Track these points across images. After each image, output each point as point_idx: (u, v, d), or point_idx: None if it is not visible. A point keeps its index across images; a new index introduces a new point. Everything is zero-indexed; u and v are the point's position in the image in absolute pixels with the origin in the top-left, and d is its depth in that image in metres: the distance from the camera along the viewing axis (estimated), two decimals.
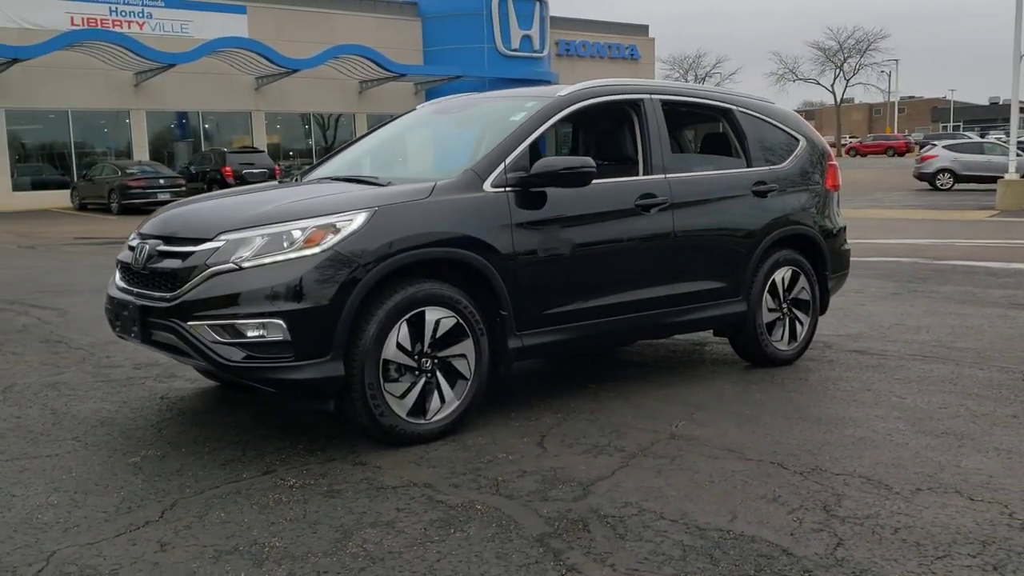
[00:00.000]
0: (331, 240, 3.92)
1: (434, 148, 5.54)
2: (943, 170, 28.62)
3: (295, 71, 33.29)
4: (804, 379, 5.49)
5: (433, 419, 4.20)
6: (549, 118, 4.79)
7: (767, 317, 5.73)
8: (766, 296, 5.70)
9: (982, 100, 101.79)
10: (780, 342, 5.82)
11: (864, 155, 67.08)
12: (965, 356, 6.03)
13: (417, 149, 5.48)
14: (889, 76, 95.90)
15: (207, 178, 28.39)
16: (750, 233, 5.57)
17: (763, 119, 5.95)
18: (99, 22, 31.26)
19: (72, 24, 30.48)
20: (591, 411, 4.78)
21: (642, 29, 48.57)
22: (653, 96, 5.33)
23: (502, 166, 4.49)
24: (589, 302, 4.77)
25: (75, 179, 29.83)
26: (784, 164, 5.91)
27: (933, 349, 6.28)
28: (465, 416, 4.34)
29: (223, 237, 4.00)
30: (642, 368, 5.89)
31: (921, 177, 29.29)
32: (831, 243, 6.11)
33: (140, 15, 32.32)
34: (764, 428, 4.46)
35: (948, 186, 28.44)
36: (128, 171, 26.61)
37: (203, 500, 3.57)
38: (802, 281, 5.91)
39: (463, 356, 4.28)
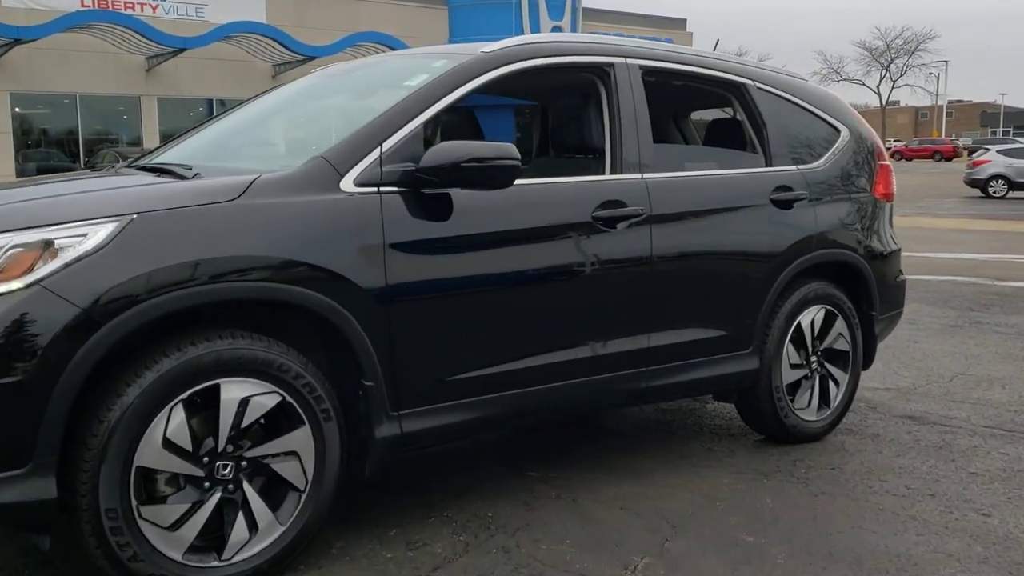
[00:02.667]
0: (42, 269, 2.36)
1: (300, 127, 3.94)
2: (996, 176, 26.54)
3: (312, 58, 31.95)
4: (838, 469, 3.85)
5: (235, 559, 2.63)
6: (459, 85, 3.19)
7: (788, 376, 4.10)
8: (788, 347, 4.08)
9: None
10: (806, 410, 4.19)
11: (909, 159, 64.87)
12: None
13: (288, 128, 3.91)
14: (937, 78, 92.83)
15: None
16: (767, 259, 3.95)
17: (791, 100, 4.31)
18: (110, 3, 30.14)
19: (82, 5, 29.40)
20: (514, 528, 3.18)
21: (679, 23, 46.75)
22: (629, 61, 3.71)
23: (375, 154, 2.92)
24: (516, 362, 3.20)
25: (81, 166, 28.82)
26: (818, 163, 4.27)
27: (1016, 418, 4.61)
28: (295, 549, 2.76)
29: None
30: (611, 439, 4.28)
31: (973, 183, 27.25)
32: (881, 272, 4.46)
33: None
34: (772, 573, 2.84)
35: (1002, 194, 26.38)
36: (131, 159, 25.53)
37: None
38: (839, 325, 4.27)
39: (293, 455, 2.71)
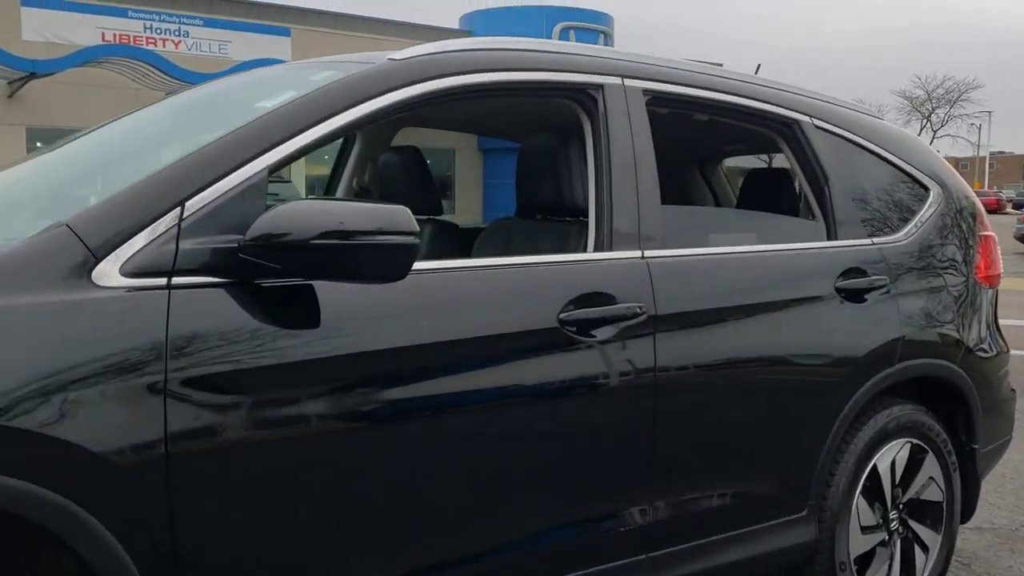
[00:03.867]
0: None
1: (87, 174, 2.64)
2: None
3: None
4: None
5: None
6: (343, 109, 1.95)
7: (859, 545, 2.80)
8: (858, 502, 2.79)
9: None
10: None
11: None
12: None
13: (75, 174, 2.60)
14: (979, 129, 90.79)
15: None
16: (831, 377, 2.70)
17: (863, 145, 3.05)
18: (132, 39, 29.72)
19: (103, 40, 29.00)
20: None
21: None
22: (627, 82, 2.47)
23: (167, 221, 1.69)
24: (434, 545, 1.94)
25: None
26: (900, 235, 3.01)
27: None
28: None
29: None
30: None
31: (1023, 239, 25.66)
32: (985, 387, 3.16)
33: (176, 33, 30.75)
34: None
35: None
36: None
37: None
38: (929, 466, 2.98)
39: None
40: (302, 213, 1.69)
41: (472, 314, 2.01)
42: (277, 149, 1.85)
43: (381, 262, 1.73)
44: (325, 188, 3.63)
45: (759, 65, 3.55)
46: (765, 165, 3.43)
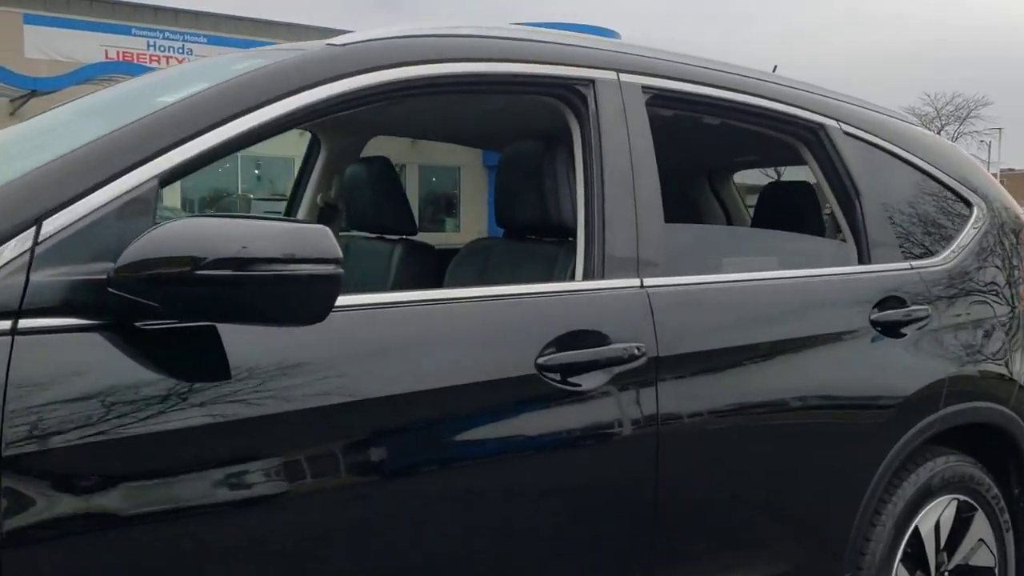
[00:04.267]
0: None
1: None
2: None
3: None
4: None
5: None
6: (264, 103, 1.55)
7: None
8: (898, 571, 2.37)
9: None
10: None
11: None
12: None
13: None
14: (989, 146, 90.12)
15: None
16: (865, 426, 2.30)
17: (898, 154, 2.64)
18: (135, 56, 29.61)
19: (107, 57, 28.88)
20: None
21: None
22: (623, 77, 2.06)
23: (16, 244, 1.30)
24: None
25: None
26: (941, 258, 2.60)
27: None
28: None
29: None
30: None
31: None
32: None
33: (180, 51, 30.59)
34: None
35: None
36: None
37: None
38: (979, 526, 2.57)
39: None
40: (188, 235, 1.29)
41: (422, 362, 1.60)
42: (170, 154, 1.45)
43: (293, 300, 1.33)
44: (286, 207, 3.25)
45: (775, 66, 3.15)
46: (773, 179, 3.02)
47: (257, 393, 1.41)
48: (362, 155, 3.13)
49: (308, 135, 3.16)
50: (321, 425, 1.47)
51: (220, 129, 1.50)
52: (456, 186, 30.31)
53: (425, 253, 2.90)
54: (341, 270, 1.33)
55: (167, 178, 1.44)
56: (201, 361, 1.39)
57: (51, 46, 28.65)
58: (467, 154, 23.00)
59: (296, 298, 1.32)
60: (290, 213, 3.19)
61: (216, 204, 30.03)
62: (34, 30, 28.34)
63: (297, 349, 1.45)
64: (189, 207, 30.02)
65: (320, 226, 1.34)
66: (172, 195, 30.43)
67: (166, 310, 1.31)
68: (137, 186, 1.40)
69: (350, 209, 2.94)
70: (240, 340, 1.40)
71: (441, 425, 1.61)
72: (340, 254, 1.33)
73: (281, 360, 1.44)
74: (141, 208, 1.40)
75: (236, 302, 1.30)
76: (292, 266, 1.30)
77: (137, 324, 1.35)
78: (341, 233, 3.09)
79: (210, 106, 1.52)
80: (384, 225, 2.86)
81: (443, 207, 33.04)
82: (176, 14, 31.19)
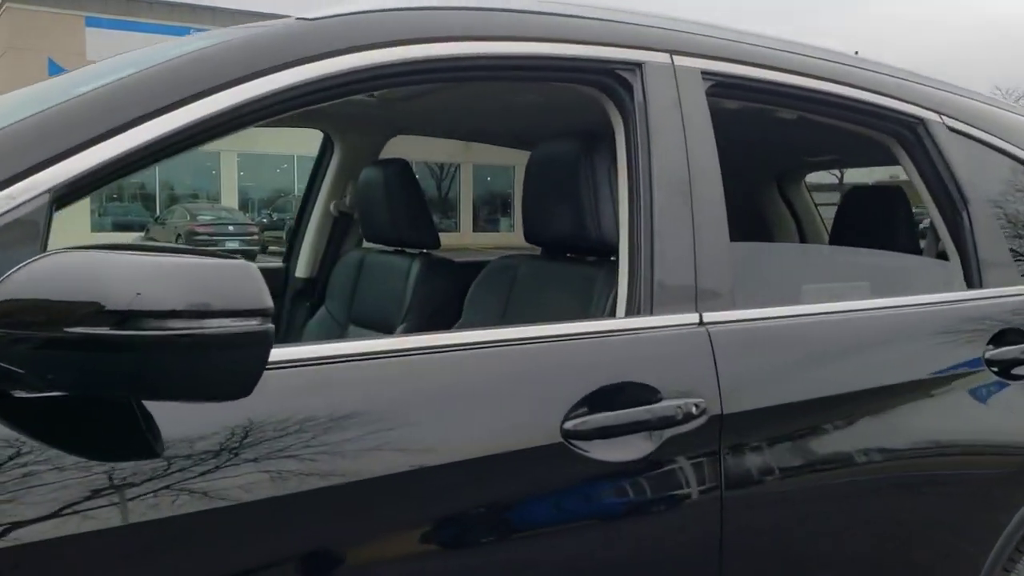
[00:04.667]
0: None
1: None
2: None
3: None
4: None
5: None
6: (203, 92, 1.18)
7: None
8: None
9: None
10: None
11: None
12: None
13: None
14: None
15: (285, 227, 26.37)
16: (983, 485, 1.87)
17: (1015, 155, 2.19)
18: None
19: None
20: None
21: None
22: (678, 60, 1.65)
23: None
24: None
25: (154, 222, 28.37)
26: None
27: None
28: None
29: None
30: None
31: None
32: None
33: None
34: None
35: None
36: (198, 216, 25.09)
37: None
38: None
39: None
40: (59, 276, 0.92)
41: (397, 434, 1.21)
42: (68, 162, 1.08)
43: (206, 368, 0.95)
44: (296, 217, 2.89)
45: (856, 52, 2.70)
46: (873, 188, 2.56)
47: (163, 480, 1.03)
48: (381, 156, 2.77)
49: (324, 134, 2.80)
50: (261, 527, 1.09)
51: (135, 129, 1.13)
52: (511, 185, 29.91)
53: (445, 270, 2.50)
54: (270, 325, 0.95)
55: (62, 194, 1.07)
56: (88, 440, 1.02)
57: (113, 49, 29.05)
58: (521, 153, 22.73)
59: (211, 365, 0.94)
60: (300, 223, 2.84)
61: (272, 204, 30.22)
62: (96, 32, 28.76)
63: (222, 428, 1.07)
64: (251, 207, 30.23)
65: (243, 262, 0.96)
66: (230, 196, 30.69)
67: (36, 378, 0.95)
68: (16, 207, 1.04)
69: (364, 219, 2.57)
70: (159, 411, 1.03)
71: (424, 518, 1.22)
72: (269, 303, 0.95)
73: (207, 433, 1.06)
74: (22, 234, 1.04)
75: (122, 372, 0.92)
76: (204, 321, 0.92)
77: (8, 392, 0.99)
78: (355, 249, 2.73)
79: (122, 99, 1.15)
80: (401, 237, 2.49)
81: (498, 207, 32.78)
82: (233, 15, 31.37)
